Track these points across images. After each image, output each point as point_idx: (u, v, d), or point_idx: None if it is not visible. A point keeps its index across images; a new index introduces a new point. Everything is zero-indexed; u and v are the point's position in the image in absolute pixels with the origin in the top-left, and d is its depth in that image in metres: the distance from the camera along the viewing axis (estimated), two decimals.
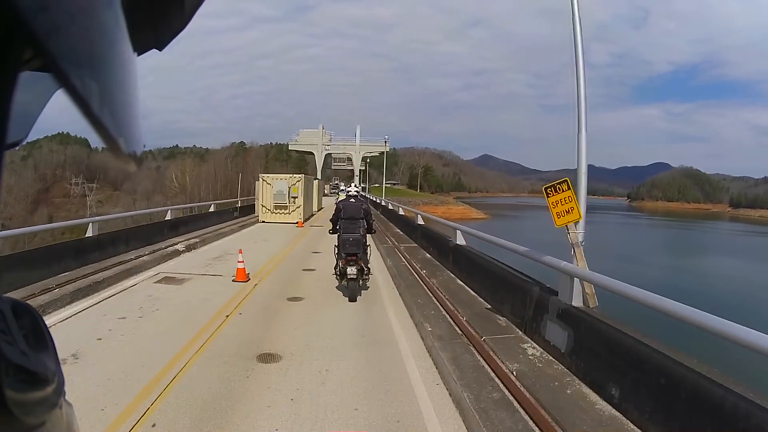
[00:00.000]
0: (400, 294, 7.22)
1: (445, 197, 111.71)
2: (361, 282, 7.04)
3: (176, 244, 11.20)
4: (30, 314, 0.34)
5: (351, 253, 6.74)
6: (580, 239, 4.44)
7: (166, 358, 4.41)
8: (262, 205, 19.82)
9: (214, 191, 62.40)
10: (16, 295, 5.18)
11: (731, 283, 24.99)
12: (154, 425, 3.21)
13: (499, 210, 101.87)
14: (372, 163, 58.55)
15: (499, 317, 5.52)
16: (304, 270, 9.16)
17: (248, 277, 7.96)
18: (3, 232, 8.76)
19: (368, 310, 6.38)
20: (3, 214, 52.83)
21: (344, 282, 6.93)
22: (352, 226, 6.97)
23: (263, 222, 19.28)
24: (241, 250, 8.43)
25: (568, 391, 3.58)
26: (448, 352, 4.39)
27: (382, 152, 53.53)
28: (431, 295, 6.71)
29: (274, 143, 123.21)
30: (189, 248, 11.24)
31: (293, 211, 19.68)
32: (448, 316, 5.63)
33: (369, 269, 7.24)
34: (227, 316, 5.90)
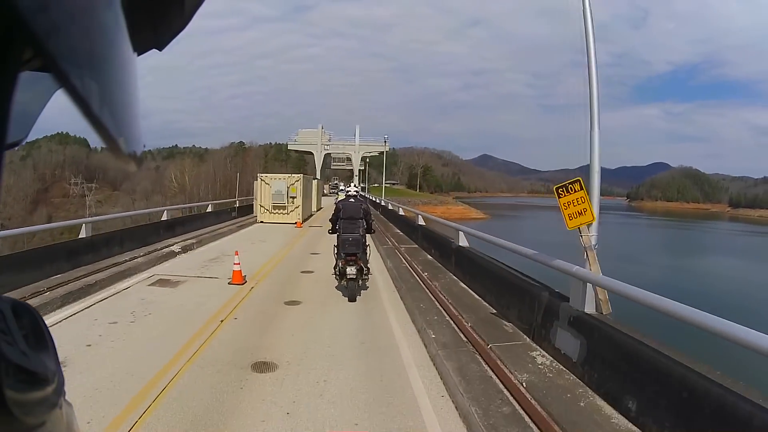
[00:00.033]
0: (401, 297, 7.01)
1: (444, 197, 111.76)
2: (360, 282, 6.99)
3: (172, 245, 10.97)
4: (30, 314, 0.34)
5: (350, 253, 6.70)
6: (594, 242, 4.18)
7: (157, 366, 4.22)
8: (261, 205, 19.62)
9: (213, 191, 62.14)
10: None
11: (731, 283, 24.91)
12: None
13: (499, 210, 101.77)
14: (371, 163, 58.20)
15: (506, 323, 5.31)
16: (302, 272, 8.95)
17: (245, 279, 7.76)
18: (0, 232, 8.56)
19: (368, 315, 6.17)
20: (2, 214, 52.60)
21: (343, 282, 6.90)
22: (351, 226, 6.92)
23: (262, 222, 19.10)
24: (237, 251, 8.15)
25: (582, 404, 3.38)
26: (453, 360, 4.18)
27: (382, 152, 53.31)
28: (433, 298, 6.51)
29: (273, 143, 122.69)
30: (185, 249, 11.02)
31: (292, 211, 19.47)
32: (451, 322, 5.42)
33: (368, 269, 7.24)
34: (222, 320, 5.69)
